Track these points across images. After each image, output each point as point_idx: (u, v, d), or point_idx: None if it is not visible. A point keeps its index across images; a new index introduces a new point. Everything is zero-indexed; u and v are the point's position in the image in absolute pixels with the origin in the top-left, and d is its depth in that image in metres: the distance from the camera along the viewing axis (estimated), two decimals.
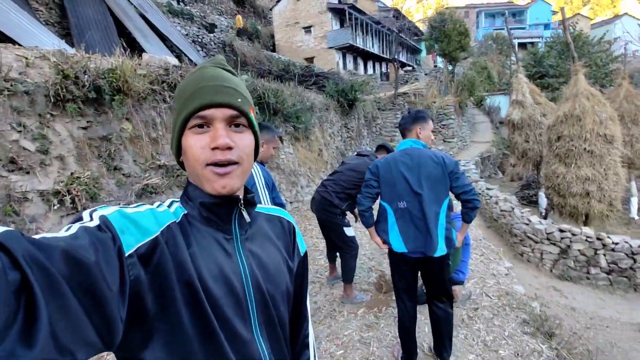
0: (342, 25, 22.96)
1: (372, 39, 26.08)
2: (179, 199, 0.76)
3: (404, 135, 2.50)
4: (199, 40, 12.55)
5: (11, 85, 3.12)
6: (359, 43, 23.54)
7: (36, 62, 3.49)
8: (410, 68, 25.87)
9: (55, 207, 3.25)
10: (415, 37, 32.08)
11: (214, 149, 0.67)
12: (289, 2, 22.92)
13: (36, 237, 0.47)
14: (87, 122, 3.83)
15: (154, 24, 10.16)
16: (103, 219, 0.58)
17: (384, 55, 27.17)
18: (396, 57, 18.79)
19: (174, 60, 5.15)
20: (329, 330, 3.13)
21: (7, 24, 6.07)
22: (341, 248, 3.50)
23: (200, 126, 0.68)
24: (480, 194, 8.51)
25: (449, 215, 2.36)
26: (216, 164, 0.68)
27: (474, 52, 26.41)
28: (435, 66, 28.10)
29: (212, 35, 13.10)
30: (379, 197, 2.48)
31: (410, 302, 2.50)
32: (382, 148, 3.64)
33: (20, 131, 3.16)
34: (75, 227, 0.54)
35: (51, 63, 3.49)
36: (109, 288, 0.51)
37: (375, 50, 26.30)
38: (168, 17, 14.16)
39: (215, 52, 12.77)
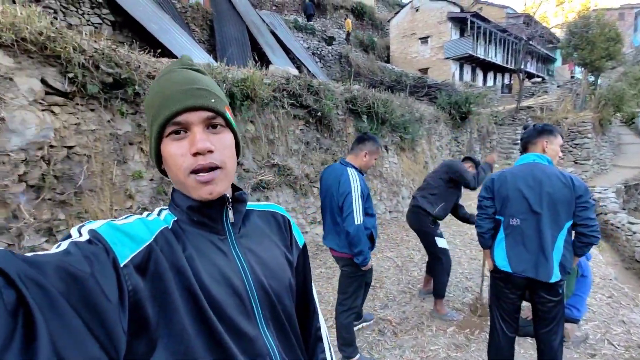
0: (462, 35, 21.87)
1: (495, 49, 24.15)
2: (167, 207, 0.74)
3: (525, 149, 2.34)
4: (318, 52, 13.51)
5: None
6: (480, 53, 22.07)
7: None
8: (539, 79, 23.09)
9: None
10: (550, 45, 28.51)
11: (195, 154, 0.65)
12: (407, 14, 22.85)
13: (27, 255, 0.47)
14: None
15: (281, 39, 11.34)
16: (93, 232, 0.57)
17: (508, 66, 24.87)
18: (522, 67, 17.04)
19: (294, 71, 5.72)
20: (415, 342, 3.11)
21: (173, 44, 7.58)
22: (433, 259, 3.47)
23: (177, 132, 0.66)
24: (619, 227, 7.18)
25: (568, 241, 2.14)
26: (199, 171, 0.66)
27: (626, 60, 22.24)
28: (572, 77, 24.49)
29: (330, 47, 13.97)
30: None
31: (507, 332, 2.32)
32: (468, 160, 3.65)
33: None
34: (65, 244, 0.54)
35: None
36: (108, 299, 0.50)
37: (498, 60, 24.28)
38: (293, 32, 15.61)
39: (332, 63, 13.58)
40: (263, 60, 9.52)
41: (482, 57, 22.34)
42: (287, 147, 5.45)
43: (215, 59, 8.30)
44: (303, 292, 0.90)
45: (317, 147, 5.94)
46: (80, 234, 0.57)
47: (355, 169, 2.61)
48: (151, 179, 3.68)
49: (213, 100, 0.68)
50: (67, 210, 2.99)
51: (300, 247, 0.90)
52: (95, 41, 3.34)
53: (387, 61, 22.13)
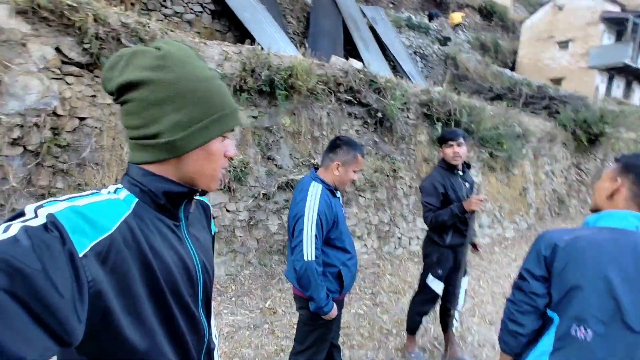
0: (618, 39, 17.70)
1: None
2: (121, 186, 0.72)
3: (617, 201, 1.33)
4: (421, 51, 12.36)
5: None
6: None
7: (233, 56, 4.09)
8: None
9: None
10: None
11: (228, 157, 0.79)
12: (547, 14, 19.51)
13: None
14: (259, 112, 4.24)
15: (379, 35, 10.66)
16: (50, 217, 0.53)
17: None
18: None
19: (357, 64, 5.10)
20: None
21: (260, 33, 7.65)
22: (417, 291, 3.05)
23: (224, 137, 0.78)
24: None
25: None
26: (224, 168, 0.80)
27: None
28: None
29: (435, 47, 12.68)
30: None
31: None
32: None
33: None
34: (15, 227, 0.50)
35: (240, 57, 4.00)
36: (60, 294, 0.49)
37: None
38: (404, 30, 14.66)
39: (436, 63, 12.30)
40: (354, 56, 9.04)
41: None
42: None
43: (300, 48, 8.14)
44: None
45: (373, 152, 5.21)
46: (36, 215, 0.54)
47: (325, 184, 1.95)
48: None
49: None
50: (66, 180, 3.02)
51: (213, 233, 0.99)
52: (127, 14, 3.32)
53: (512, 68, 19.29)
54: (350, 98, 4.91)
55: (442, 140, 2.76)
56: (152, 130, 0.69)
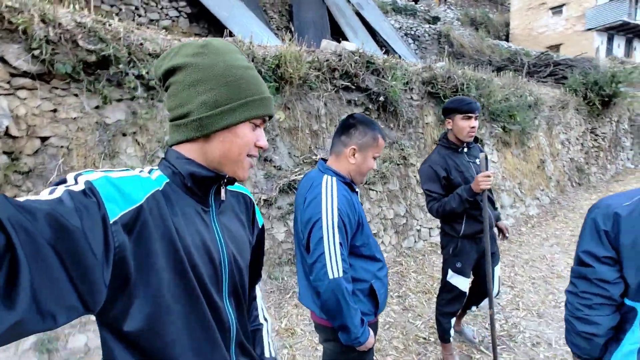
0: None
1: None
2: (157, 167, 0.77)
3: None
4: (412, 32, 11.86)
5: None
6: None
7: None
8: None
9: None
10: None
11: (259, 147, 0.81)
12: None
13: (21, 199, 0.49)
14: None
15: (367, 20, 10.19)
16: (88, 184, 0.58)
17: None
18: None
19: (350, 46, 4.65)
20: None
21: (241, 30, 7.20)
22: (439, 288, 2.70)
23: (256, 125, 0.80)
24: None
25: None
26: (252, 157, 0.81)
27: None
28: None
29: (427, 26, 12.18)
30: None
31: None
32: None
33: None
34: (59, 190, 0.55)
35: None
36: (94, 254, 0.53)
37: None
38: (391, 14, 14.19)
39: (429, 43, 11.81)
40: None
41: None
42: None
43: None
44: (256, 265, 1.00)
45: None
46: (76, 182, 0.58)
47: (339, 177, 1.50)
48: None
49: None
50: None
51: (260, 227, 1.00)
52: (83, 11, 2.88)
53: (506, 40, 18.73)
54: (348, 83, 4.46)
55: (453, 112, 2.31)
56: (185, 109, 0.74)
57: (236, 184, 0.91)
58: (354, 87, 4.53)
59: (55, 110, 2.72)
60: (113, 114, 2.98)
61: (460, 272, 2.49)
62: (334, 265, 1.34)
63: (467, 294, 2.60)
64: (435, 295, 3.50)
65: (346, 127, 1.52)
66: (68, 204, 0.52)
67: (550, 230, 5.62)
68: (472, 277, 2.62)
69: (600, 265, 1.09)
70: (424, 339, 2.98)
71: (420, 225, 4.91)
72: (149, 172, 0.74)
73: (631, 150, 9.67)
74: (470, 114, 2.26)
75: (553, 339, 2.95)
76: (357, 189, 1.57)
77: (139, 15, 7.28)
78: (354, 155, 1.49)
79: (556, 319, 3.26)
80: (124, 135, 3.04)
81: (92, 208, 0.55)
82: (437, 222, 5.07)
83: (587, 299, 1.13)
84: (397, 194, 4.75)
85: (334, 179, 1.47)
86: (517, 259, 4.57)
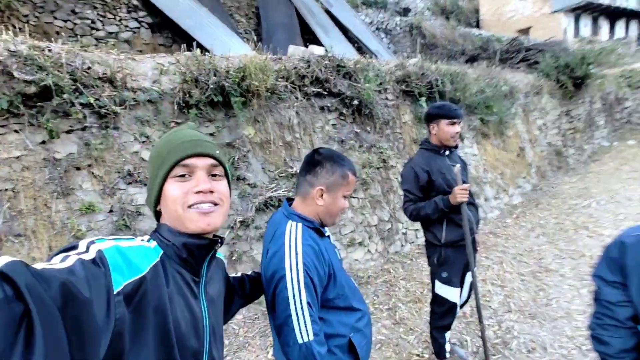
0: None
1: None
2: (151, 237, 0.79)
3: None
4: (384, 26, 11.73)
5: (135, 95, 3.05)
6: None
7: (170, 68, 3.41)
8: None
9: None
10: None
11: (197, 192, 0.77)
12: None
13: (37, 266, 0.51)
14: (216, 127, 3.58)
15: (337, 18, 10.00)
16: (99, 253, 0.61)
17: None
18: None
19: (319, 50, 4.47)
20: None
21: (207, 38, 6.92)
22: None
23: (182, 176, 0.78)
24: None
25: None
26: (200, 203, 0.78)
27: None
28: None
29: (398, 19, 12.06)
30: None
31: None
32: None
33: (144, 142, 3.09)
34: (72, 259, 0.57)
35: (179, 68, 3.32)
36: (98, 325, 0.54)
37: (632, 4, 18.83)
38: (362, 8, 14.02)
39: (401, 36, 11.70)
40: (316, 43, 8.36)
41: (607, 2, 17.50)
42: (312, 148, 4.24)
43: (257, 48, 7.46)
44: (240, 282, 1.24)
45: (357, 145, 4.60)
46: (88, 250, 0.61)
47: (306, 222, 1.33)
48: (110, 211, 2.88)
49: (217, 152, 0.85)
50: None
51: (228, 279, 1.12)
52: (19, 39, 2.60)
53: (477, 27, 18.84)
54: (319, 90, 4.28)
55: (438, 117, 2.34)
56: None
57: None
58: (326, 93, 4.35)
59: None
60: (63, 147, 2.73)
61: (447, 282, 2.42)
62: (303, 329, 1.17)
63: (458, 304, 2.51)
64: (427, 304, 3.38)
65: (311, 164, 1.34)
66: (80, 274, 0.54)
67: (535, 219, 5.60)
68: (459, 286, 2.52)
69: (606, 287, 1.20)
70: (418, 355, 2.86)
71: (406, 228, 4.80)
72: (148, 241, 0.77)
73: (605, 128, 9.82)
74: (455, 120, 2.30)
75: (548, 343, 2.87)
76: (327, 233, 1.40)
77: (96, 30, 6.89)
78: (321, 196, 1.32)
79: (549, 318, 3.20)
80: (78, 169, 2.78)
81: (101, 279, 0.57)
82: None
83: (599, 319, 1.22)
84: (380, 199, 4.61)
85: (299, 225, 1.29)
86: (505, 254, 4.51)
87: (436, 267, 2.44)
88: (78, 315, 0.50)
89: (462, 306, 2.69)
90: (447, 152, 2.45)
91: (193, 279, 0.79)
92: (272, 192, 3.73)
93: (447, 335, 2.60)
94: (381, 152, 4.77)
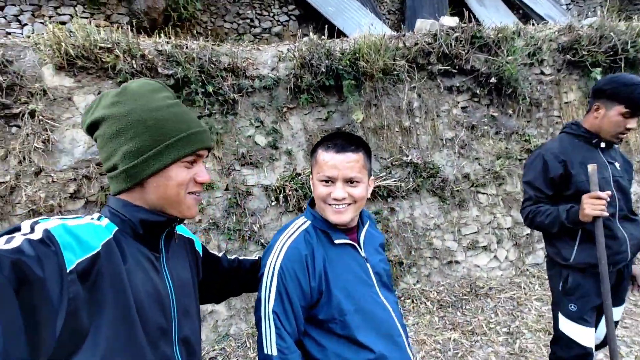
0: None
1: None
2: (102, 215, 0.76)
3: None
4: None
5: (252, 83, 3.30)
6: None
7: (288, 55, 3.54)
8: None
9: (273, 204, 3.27)
10: None
11: (200, 182, 0.81)
12: None
13: None
14: (328, 112, 3.56)
15: None
16: (47, 232, 0.59)
17: None
18: None
19: (450, 22, 3.83)
20: None
21: (348, 24, 7.01)
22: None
23: (191, 162, 0.79)
24: None
25: None
26: (196, 193, 0.82)
27: None
28: None
29: None
30: None
31: None
32: None
33: (257, 126, 3.34)
34: (18, 239, 0.54)
35: (294, 53, 3.41)
36: (52, 305, 0.54)
37: None
38: None
39: None
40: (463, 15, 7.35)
41: None
42: (434, 135, 3.78)
43: (400, 29, 7.11)
44: (223, 287, 1.15)
45: (492, 132, 3.85)
46: (33, 231, 0.58)
47: (317, 221, 1.13)
48: (226, 189, 3.24)
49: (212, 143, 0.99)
50: None
51: (202, 256, 1.03)
52: (167, 40, 3.13)
53: None
54: (447, 67, 3.73)
55: (612, 98, 1.66)
56: (111, 162, 0.76)
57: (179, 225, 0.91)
58: (455, 71, 3.76)
59: None
60: None
61: (576, 318, 1.77)
62: (267, 340, 1.01)
63: (594, 352, 1.81)
64: None
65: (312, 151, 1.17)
66: (29, 253, 0.52)
67: None
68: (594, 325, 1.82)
69: None
70: None
71: None
72: (98, 219, 0.74)
73: None
74: (638, 112, 1.65)
75: None
76: (343, 240, 1.12)
77: (254, 27, 7.81)
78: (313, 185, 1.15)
79: None
80: None
81: (52, 258, 0.55)
82: None
83: None
84: (517, 197, 3.78)
85: (307, 223, 1.13)
86: None
87: (560, 296, 1.81)
88: (32, 295, 0.50)
89: (597, 348, 1.94)
90: (603, 144, 1.77)
91: (154, 255, 0.78)
92: (381, 180, 3.51)
93: None
94: (526, 141, 3.88)
